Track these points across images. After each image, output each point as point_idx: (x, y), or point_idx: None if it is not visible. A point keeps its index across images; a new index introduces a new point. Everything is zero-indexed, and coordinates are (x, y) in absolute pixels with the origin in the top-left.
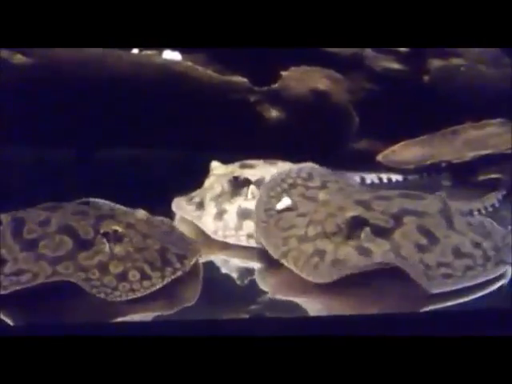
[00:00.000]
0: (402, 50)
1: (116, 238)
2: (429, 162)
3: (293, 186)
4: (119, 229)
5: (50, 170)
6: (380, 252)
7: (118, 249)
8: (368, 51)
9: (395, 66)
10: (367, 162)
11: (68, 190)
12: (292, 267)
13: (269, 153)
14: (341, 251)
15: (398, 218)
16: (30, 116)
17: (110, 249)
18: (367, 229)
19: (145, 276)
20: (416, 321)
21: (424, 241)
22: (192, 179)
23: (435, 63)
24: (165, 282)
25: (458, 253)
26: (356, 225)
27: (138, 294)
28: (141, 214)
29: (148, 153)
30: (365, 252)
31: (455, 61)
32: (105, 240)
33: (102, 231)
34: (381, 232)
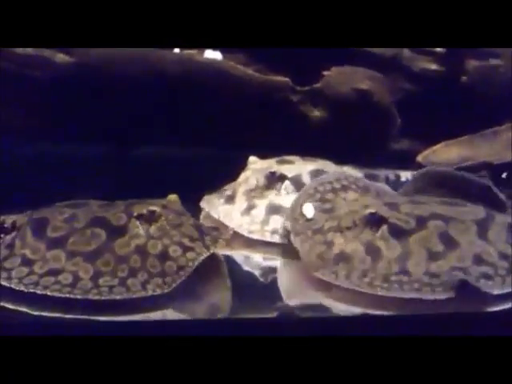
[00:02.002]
0: (440, 50)
1: (153, 218)
2: (469, 163)
3: (333, 191)
4: (157, 209)
5: (89, 168)
6: (387, 253)
7: (154, 228)
8: (406, 52)
9: (433, 66)
10: (407, 163)
11: (106, 187)
12: (298, 248)
13: (311, 153)
14: (349, 246)
15: (422, 221)
16: (72, 114)
17: (146, 230)
18: (385, 227)
19: (186, 248)
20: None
21: (440, 248)
22: (231, 179)
23: (473, 64)
24: (210, 252)
25: (478, 260)
26: (372, 222)
27: (189, 270)
28: (173, 196)
29: (188, 152)
30: (372, 251)
31: (493, 61)
32: (138, 223)
33: (135, 214)
34: (398, 233)
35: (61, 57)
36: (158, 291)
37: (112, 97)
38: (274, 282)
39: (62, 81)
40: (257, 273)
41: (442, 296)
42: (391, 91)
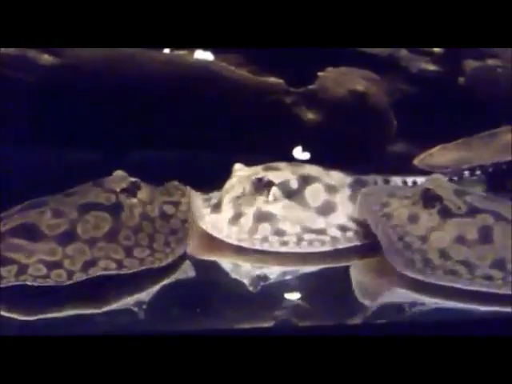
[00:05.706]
0: (438, 51)
1: (136, 187)
2: (466, 166)
3: None
4: (137, 179)
5: (72, 172)
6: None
7: (141, 195)
8: (403, 52)
9: (431, 67)
10: (403, 166)
11: None
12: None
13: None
14: (395, 206)
15: (473, 211)
16: (57, 117)
17: (138, 199)
18: (438, 206)
19: (176, 204)
20: None
21: (473, 237)
22: (221, 181)
23: (471, 64)
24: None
25: (498, 264)
26: (426, 197)
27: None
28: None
29: (179, 154)
30: (412, 217)
31: (491, 61)
32: (125, 196)
33: (118, 190)
34: (445, 213)
35: (45, 58)
36: (181, 250)
37: (100, 99)
38: (264, 290)
39: (46, 83)
40: (246, 281)
41: (430, 280)
42: (388, 92)
